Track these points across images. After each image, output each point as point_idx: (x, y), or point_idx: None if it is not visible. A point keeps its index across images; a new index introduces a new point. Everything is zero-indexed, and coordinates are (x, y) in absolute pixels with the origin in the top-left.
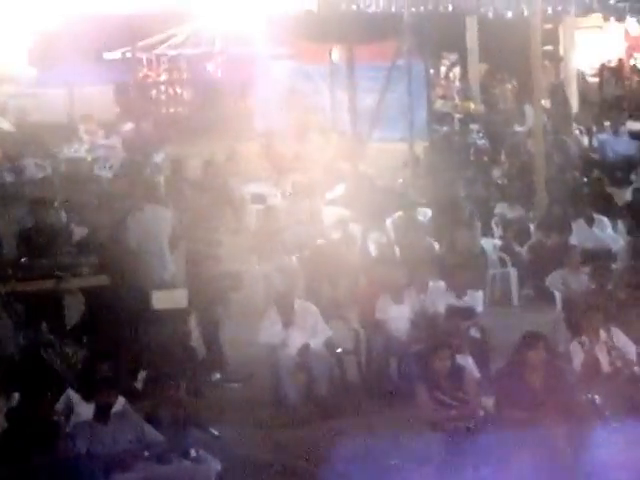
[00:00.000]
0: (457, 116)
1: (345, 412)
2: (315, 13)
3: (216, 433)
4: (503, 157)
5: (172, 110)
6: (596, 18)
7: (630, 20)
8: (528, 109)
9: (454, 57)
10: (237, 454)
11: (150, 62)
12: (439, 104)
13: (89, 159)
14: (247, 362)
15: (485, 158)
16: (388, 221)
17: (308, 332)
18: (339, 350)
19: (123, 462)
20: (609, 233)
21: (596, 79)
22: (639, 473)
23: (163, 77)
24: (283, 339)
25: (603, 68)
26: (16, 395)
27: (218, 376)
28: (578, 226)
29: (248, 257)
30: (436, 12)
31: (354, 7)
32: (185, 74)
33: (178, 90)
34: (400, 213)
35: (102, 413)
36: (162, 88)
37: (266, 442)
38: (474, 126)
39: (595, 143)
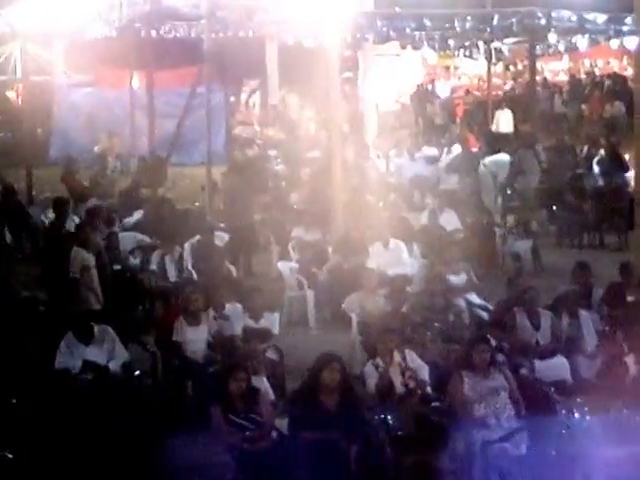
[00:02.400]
0: (257, 142)
1: (140, 434)
2: (115, 39)
3: None
4: (301, 180)
5: None
6: (394, 46)
7: (427, 49)
8: (326, 135)
9: (254, 83)
10: None
11: None
12: (239, 130)
13: None
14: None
15: (283, 183)
16: (186, 245)
17: (107, 355)
18: (136, 373)
19: None
20: (404, 257)
21: (396, 105)
22: None
23: None
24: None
25: (402, 94)
26: None
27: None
28: (375, 249)
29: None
30: (236, 38)
31: (154, 33)
32: None
33: None
34: (198, 237)
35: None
36: None
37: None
38: (273, 152)
39: (392, 167)
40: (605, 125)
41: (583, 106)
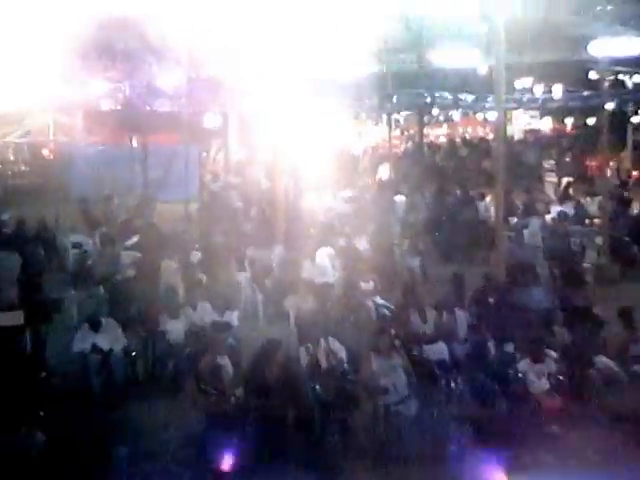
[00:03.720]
0: (219, 184)
1: (135, 398)
2: (119, 111)
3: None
4: (253, 213)
5: (16, 181)
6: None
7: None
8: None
9: (220, 143)
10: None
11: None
12: (208, 177)
13: None
14: (66, 362)
15: (241, 217)
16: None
17: (111, 341)
18: (133, 354)
19: None
20: (328, 270)
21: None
22: None
23: (11, 158)
24: (92, 346)
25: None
26: None
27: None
28: (306, 264)
29: (67, 287)
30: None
31: (147, 107)
32: (27, 156)
33: (22, 168)
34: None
35: None
36: (9, 166)
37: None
38: (234, 192)
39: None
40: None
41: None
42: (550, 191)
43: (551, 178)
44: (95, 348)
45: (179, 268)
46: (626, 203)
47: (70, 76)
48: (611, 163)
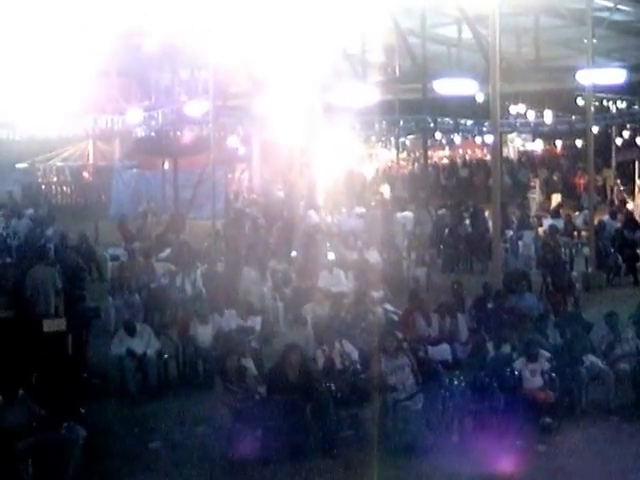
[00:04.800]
0: (244, 202)
1: (168, 397)
2: (153, 137)
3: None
4: (274, 228)
5: (60, 201)
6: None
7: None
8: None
9: (244, 165)
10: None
11: (44, 170)
12: (232, 196)
13: (4, 233)
14: (105, 364)
15: (262, 231)
16: (198, 271)
17: (145, 344)
18: (165, 356)
19: None
20: (343, 280)
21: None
22: None
23: (55, 179)
24: (127, 350)
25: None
26: None
27: (85, 375)
28: (323, 275)
29: (106, 296)
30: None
31: (178, 133)
32: (68, 178)
33: (64, 188)
34: (205, 266)
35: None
36: (53, 187)
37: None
38: (256, 209)
39: (335, 221)
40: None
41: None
42: (533, 207)
43: (533, 195)
44: (130, 352)
45: (207, 278)
46: (611, 216)
47: (109, 105)
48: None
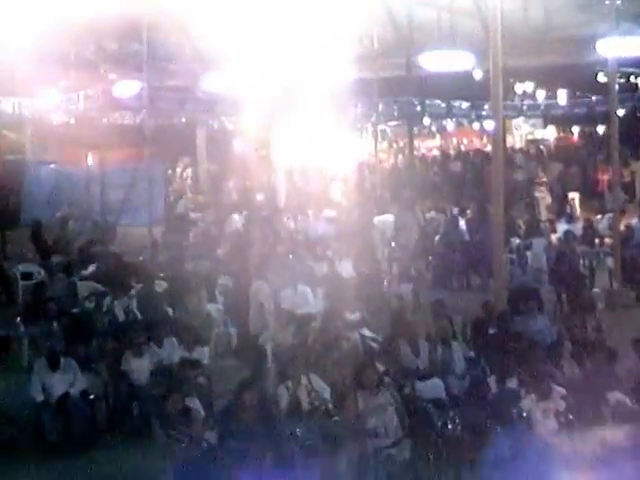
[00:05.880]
0: (189, 206)
1: (95, 447)
2: (73, 125)
3: None
4: (225, 237)
5: None
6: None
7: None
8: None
9: (187, 160)
10: None
11: None
12: (174, 197)
13: None
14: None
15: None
16: (132, 292)
17: (68, 382)
18: (92, 396)
19: None
20: (310, 299)
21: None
22: None
23: None
24: (47, 388)
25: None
26: None
27: None
28: (286, 293)
29: (17, 323)
30: (171, 123)
31: (105, 120)
32: None
33: None
34: (141, 285)
35: None
36: None
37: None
38: (198, 215)
39: (299, 227)
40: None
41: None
42: (543, 208)
43: (541, 194)
44: (50, 391)
45: (142, 300)
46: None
47: (15, 86)
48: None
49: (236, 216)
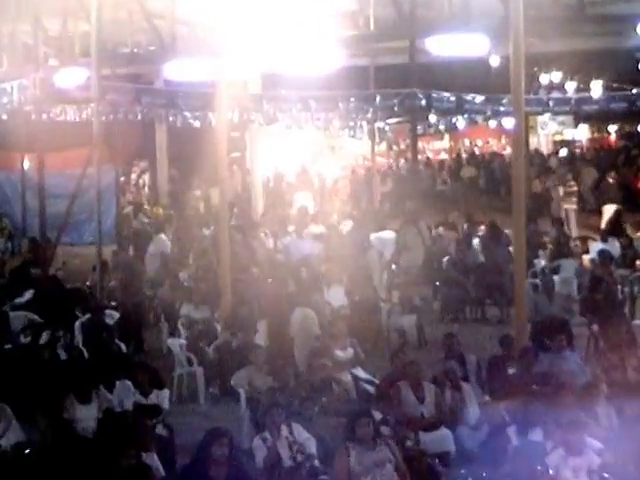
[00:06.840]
0: (146, 221)
1: None
2: (5, 122)
3: None
4: (191, 260)
5: None
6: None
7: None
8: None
9: (144, 164)
10: None
11: None
12: (129, 209)
13: None
14: None
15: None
16: (77, 324)
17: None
18: (27, 451)
19: None
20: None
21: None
22: None
23: None
24: None
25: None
26: None
27: None
28: (263, 326)
29: None
30: (126, 120)
31: (44, 116)
32: None
33: None
34: (88, 316)
35: None
36: None
37: None
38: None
39: (280, 245)
40: None
41: None
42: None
43: (572, 205)
44: None
45: (90, 334)
46: None
47: None
48: None
49: (204, 232)
